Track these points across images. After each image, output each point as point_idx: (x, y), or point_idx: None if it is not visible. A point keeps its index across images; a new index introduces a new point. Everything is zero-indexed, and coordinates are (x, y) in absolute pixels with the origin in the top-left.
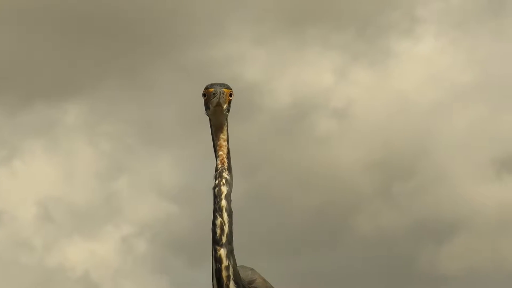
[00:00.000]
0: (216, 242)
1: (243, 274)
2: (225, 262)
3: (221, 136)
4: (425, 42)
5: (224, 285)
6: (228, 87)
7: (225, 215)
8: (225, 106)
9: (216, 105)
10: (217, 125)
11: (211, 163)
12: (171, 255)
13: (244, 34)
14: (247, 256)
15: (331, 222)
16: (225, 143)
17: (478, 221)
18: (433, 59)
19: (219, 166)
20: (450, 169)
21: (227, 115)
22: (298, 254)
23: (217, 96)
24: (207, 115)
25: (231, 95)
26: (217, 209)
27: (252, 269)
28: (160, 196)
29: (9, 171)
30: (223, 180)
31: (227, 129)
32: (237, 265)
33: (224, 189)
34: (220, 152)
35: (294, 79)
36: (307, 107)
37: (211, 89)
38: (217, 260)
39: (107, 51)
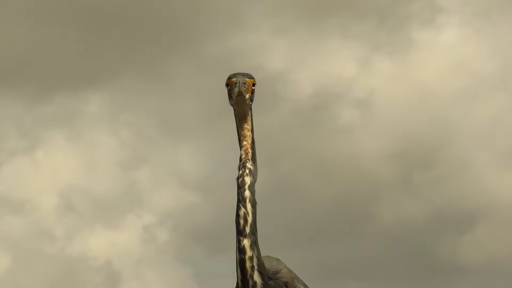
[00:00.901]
0: (240, 232)
1: (268, 265)
2: (249, 253)
3: (245, 126)
4: (447, 32)
5: (248, 276)
6: (250, 77)
7: (248, 206)
8: (247, 95)
9: (238, 95)
10: (241, 114)
11: (232, 153)
12: (193, 245)
13: (264, 25)
14: (269, 246)
15: (352, 212)
16: (249, 133)
17: (499, 211)
18: (455, 49)
19: (243, 156)
20: (471, 159)
21: (251, 104)
22: (319, 244)
23: (238, 85)
24: (231, 105)
25: (254, 84)
26: (240, 200)
27: (277, 260)
28: (182, 185)
29: (32, 161)
30: (247, 171)
31: (251, 118)
32: (262, 255)
33: (248, 179)
34: (244, 142)
35: (315, 69)
36: (329, 97)
37: (233, 79)
38: (241, 250)
39: (127, 43)
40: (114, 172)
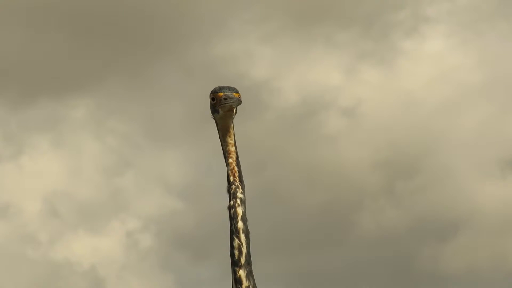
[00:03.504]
0: (235, 263)
1: None
2: (245, 283)
3: (229, 141)
4: (432, 41)
5: None
6: (237, 91)
7: (242, 237)
8: (234, 110)
9: (228, 110)
10: (225, 129)
11: (217, 160)
12: (176, 251)
13: (250, 32)
14: (253, 254)
15: (335, 220)
16: (233, 148)
17: (480, 220)
18: (441, 59)
19: (231, 178)
20: (455, 168)
21: (234, 118)
22: (302, 251)
23: (230, 102)
24: (214, 118)
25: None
26: (234, 231)
27: None
28: (166, 192)
29: (16, 166)
30: (238, 201)
31: (234, 132)
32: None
33: (240, 210)
34: (230, 160)
35: (300, 77)
36: (314, 106)
37: (221, 94)
38: (237, 281)
39: (113, 48)
40: (98, 178)
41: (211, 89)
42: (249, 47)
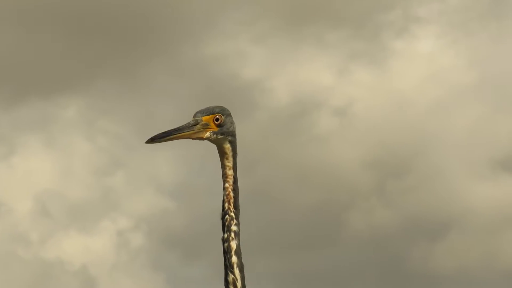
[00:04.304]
0: None
1: None
2: None
3: (226, 163)
4: (424, 42)
5: None
6: (210, 112)
7: (236, 271)
8: (206, 134)
9: (193, 138)
10: (219, 150)
11: (208, 160)
12: (167, 250)
13: (241, 33)
14: (245, 254)
15: (326, 220)
16: (230, 172)
17: (471, 220)
18: (433, 59)
19: (226, 205)
20: (446, 168)
21: (227, 138)
22: (293, 251)
23: (184, 129)
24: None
25: (217, 119)
26: (228, 266)
27: None
28: (157, 191)
29: (7, 165)
30: (232, 234)
31: (233, 154)
32: None
33: (234, 244)
34: (226, 184)
35: (292, 77)
36: (305, 106)
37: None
38: None
39: (104, 48)
40: (89, 177)
41: (203, 89)
42: (240, 47)
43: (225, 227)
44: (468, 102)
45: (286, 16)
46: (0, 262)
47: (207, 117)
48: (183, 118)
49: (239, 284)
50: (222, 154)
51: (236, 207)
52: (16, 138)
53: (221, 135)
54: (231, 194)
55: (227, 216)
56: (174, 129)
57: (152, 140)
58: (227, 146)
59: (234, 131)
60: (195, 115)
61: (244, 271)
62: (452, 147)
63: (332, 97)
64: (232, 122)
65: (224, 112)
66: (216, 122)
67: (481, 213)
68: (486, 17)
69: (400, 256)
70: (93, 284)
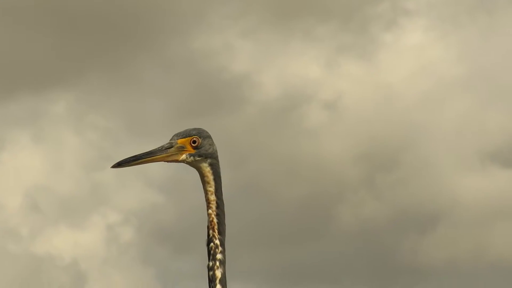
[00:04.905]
0: None
1: None
2: None
3: (208, 188)
4: (413, 34)
5: None
6: (185, 135)
7: None
8: (181, 156)
9: (167, 161)
10: (199, 174)
11: None
12: (157, 244)
13: (229, 27)
14: (234, 247)
15: (316, 213)
16: (212, 197)
17: (460, 212)
18: (421, 52)
19: (210, 232)
20: (435, 161)
21: (206, 161)
22: (283, 244)
23: (156, 153)
24: None
25: (194, 141)
26: None
27: None
28: (146, 186)
29: None
30: (217, 263)
31: (214, 177)
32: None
33: (219, 273)
34: (209, 211)
35: (281, 71)
36: (295, 99)
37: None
38: None
39: (93, 43)
40: (78, 172)
41: (192, 83)
42: (228, 41)
43: (210, 256)
44: (457, 95)
45: (274, 9)
46: None
47: (183, 139)
48: (172, 112)
49: None
50: (203, 178)
51: (221, 232)
52: (5, 134)
53: (198, 157)
54: (215, 220)
55: (211, 244)
56: (145, 152)
57: (119, 165)
58: (207, 169)
59: (214, 153)
60: (171, 138)
61: (234, 264)
62: (441, 140)
63: (321, 91)
64: (211, 144)
65: (201, 134)
66: (193, 145)
67: (470, 205)
68: (475, 10)
69: (389, 248)
70: (84, 278)
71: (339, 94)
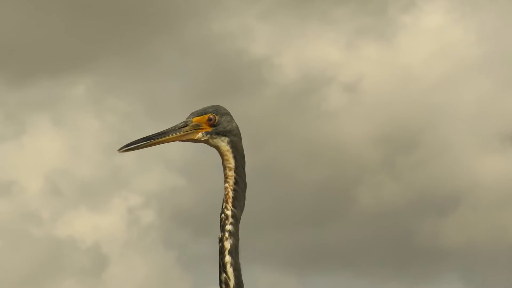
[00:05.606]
0: None
1: None
2: None
3: (226, 164)
4: (432, 16)
5: None
6: (202, 113)
7: (229, 270)
8: (198, 135)
9: (183, 141)
10: (219, 152)
11: None
12: (178, 227)
13: (245, 9)
14: (254, 230)
15: (335, 195)
16: (231, 173)
17: (481, 194)
18: (441, 33)
19: (223, 205)
20: (455, 143)
21: (224, 139)
22: (302, 227)
23: (169, 132)
24: None
25: (210, 119)
26: (221, 265)
27: None
28: (166, 169)
29: (17, 144)
30: (226, 234)
31: (234, 155)
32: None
33: (228, 244)
34: (226, 185)
35: (300, 54)
36: (314, 82)
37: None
38: None
39: (110, 27)
40: (99, 155)
41: (210, 66)
42: (247, 24)
43: (221, 227)
44: (476, 76)
45: None
46: (12, 241)
47: (198, 117)
48: (191, 95)
49: (231, 283)
50: (222, 156)
51: (235, 206)
52: (25, 118)
53: (215, 135)
54: (230, 194)
55: (222, 215)
56: (157, 133)
57: (128, 148)
58: (226, 147)
59: (234, 130)
60: (188, 117)
61: (254, 246)
62: (461, 121)
63: (341, 73)
64: (229, 121)
65: (218, 111)
66: (209, 122)
67: (490, 187)
68: None
69: (409, 230)
70: (105, 261)
71: (359, 76)
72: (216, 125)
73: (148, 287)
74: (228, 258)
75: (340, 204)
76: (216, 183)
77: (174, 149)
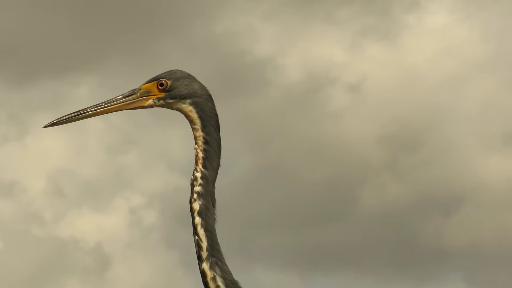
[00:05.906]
0: (198, 258)
1: None
2: (209, 275)
3: (193, 126)
4: (436, 16)
5: None
6: (152, 80)
7: (201, 232)
8: (148, 101)
9: (130, 109)
10: (184, 115)
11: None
12: (180, 227)
13: (250, 9)
14: (257, 229)
15: (339, 195)
16: (198, 133)
17: (485, 193)
18: (445, 33)
19: (194, 167)
20: (459, 142)
21: (185, 102)
22: (306, 227)
23: (111, 102)
24: None
25: (162, 84)
26: (193, 227)
27: None
28: (169, 169)
29: (20, 145)
30: (195, 196)
31: (199, 114)
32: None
33: (197, 205)
34: (195, 146)
35: (304, 54)
36: (318, 82)
37: None
38: (201, 274)
39: (115, 26)
40: (102, 156)
41: (215, 66)
42: (251, 24)
43: (190, 189)
44: (480, 76)
45: None
46: (15, 241)
47: (148, 84)
48: None
49: (204, 244)
50: (187, 118)
51: (207, 167)
52: (28, 118)
53: (170, 99)
54: (200, 155)
55: (191, 177)
56: (97, 104)
57: (57, 121)
58: (188, 108)
59: (196, 92)
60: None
61: (257, 246)
62: (465, 121)
63: (345, 73)
64: (188, 84)
65: (171, 75)
66: (160, 87)
67: (494, 186)
68: None
69: (413, 230)
70: (108, 262)
71: (363, 76)
72: (169, 90)
73: (151, 287)
74: (198, 220)
75: (344, 204)
76: (217, 183)
77: (176, 149)
